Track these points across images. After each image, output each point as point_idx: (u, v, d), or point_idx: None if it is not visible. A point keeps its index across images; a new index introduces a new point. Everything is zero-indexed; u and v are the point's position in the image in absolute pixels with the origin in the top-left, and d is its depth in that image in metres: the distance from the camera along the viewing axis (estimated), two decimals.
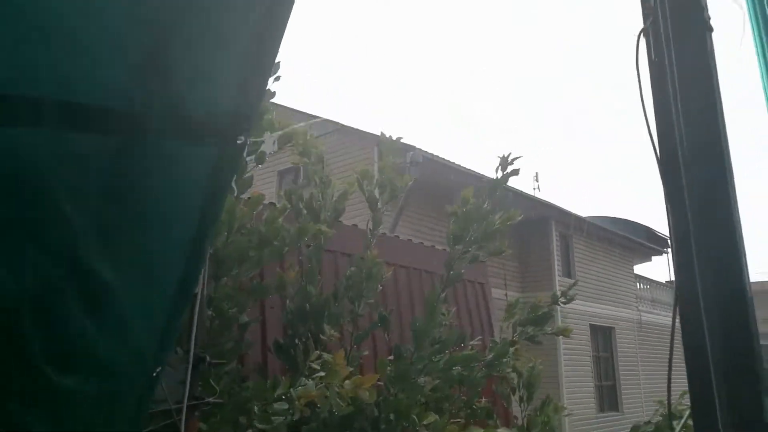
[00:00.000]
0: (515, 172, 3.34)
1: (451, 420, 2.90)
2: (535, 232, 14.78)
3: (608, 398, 15.75)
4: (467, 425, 2.93)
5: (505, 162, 3.45)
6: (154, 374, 1.43)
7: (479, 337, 3.70)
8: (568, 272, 15.34)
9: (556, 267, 14.79)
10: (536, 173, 19.44)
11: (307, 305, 2.81)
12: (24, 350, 1.17)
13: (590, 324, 15.07)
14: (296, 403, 1.78)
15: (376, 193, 3.22)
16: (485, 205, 3.08)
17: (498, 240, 3.32)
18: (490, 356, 3.05)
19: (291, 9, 1.16)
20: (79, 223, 1.10)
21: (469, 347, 3.39)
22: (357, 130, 12.09)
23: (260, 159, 2.52)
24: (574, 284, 3.74)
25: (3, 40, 0.95)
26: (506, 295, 12.19)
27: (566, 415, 3.68)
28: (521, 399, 3.68)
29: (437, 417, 2.31)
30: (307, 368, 2.37)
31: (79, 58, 1.00)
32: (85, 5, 0.99)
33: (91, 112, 1.05)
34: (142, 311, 1.32)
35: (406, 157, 11.18)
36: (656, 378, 16.93)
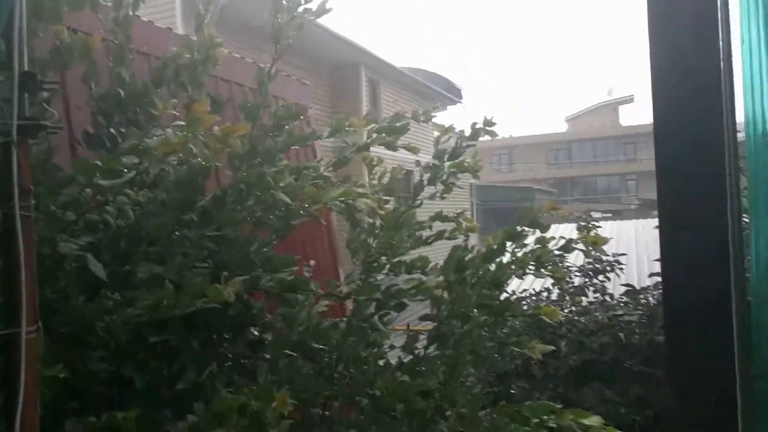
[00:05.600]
0: None
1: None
2: (345, 76, 14.85)
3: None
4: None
5: None
6: None
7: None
8: (375, 118, 15.85)
9: (364, 112, 15.18)
10: (344, 18, 19.07)
11: (122, 92, 2.44)
12: None
13: (392, 167, 16.00)
14: (154, 153, 1.59)
15: None
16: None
17: None
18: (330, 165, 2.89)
19: None
20: None
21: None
22: None
23: None
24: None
25: None
26: None
27: None
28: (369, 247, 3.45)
29: None
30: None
31: None
32: None
33: None
34: None
35: None
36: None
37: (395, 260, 2.29)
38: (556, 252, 2.15)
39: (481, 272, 2.12)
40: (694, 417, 0.96)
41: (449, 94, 20.69)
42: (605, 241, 2.21)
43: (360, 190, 2.02)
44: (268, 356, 2.20)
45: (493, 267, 2.12)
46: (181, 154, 2.12)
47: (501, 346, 2.30)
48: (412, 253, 2.44)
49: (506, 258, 2.17)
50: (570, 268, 6.26)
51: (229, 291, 1.57)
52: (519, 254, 2.14)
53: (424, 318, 7.17)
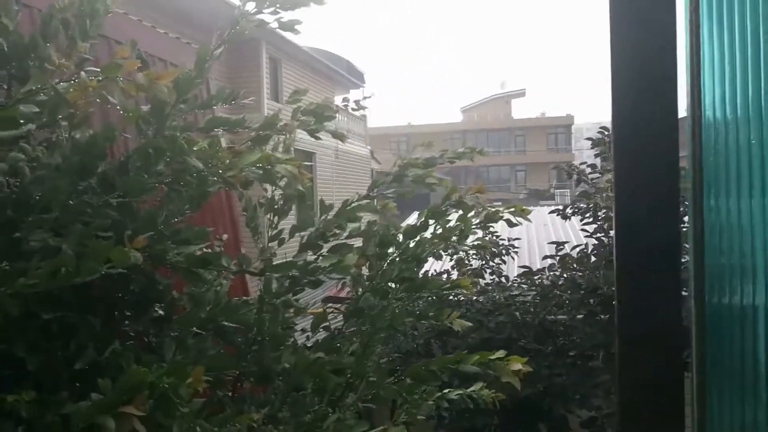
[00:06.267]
0: None
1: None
2: (245, 52, 14.35)
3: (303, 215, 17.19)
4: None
5: None
6: None
7: None
8: (276, 96, 15.52)
9: (265, 90, 14.79)
10: None
11: (4, 43, 2.17)
12: None
13: (294, 148, 15.76)
14: (65, 98, 1.41)
15: None
16: None
17: None
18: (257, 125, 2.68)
19: None
20: None
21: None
22: None
23: None
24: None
25: None
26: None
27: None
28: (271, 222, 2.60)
29: None
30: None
31: None
32: None
33: None
34: None
35: None
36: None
37: (336, 243, 2.23)
38: (477, 224, 2.22)
39: (402, 248, 2.12)
40: (640, 355, 1.01)
41: (352, 77, 20.63)
42: (529, 211, 2.29)
43: (279, 155, 1.94)
44: (175, 334, 2.08)
45: (412, 244, 2.13)
46: (76, 116, 1.93)
47: (419, 318, 2.32)
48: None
49: (428, 234, 2.19)
50: (468, 252, 6.48)
51: (136, 254, 1.44)
52: (442, 228, 2.17)
53: (327, 300, 7.16)
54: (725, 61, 1.37)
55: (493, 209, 2.41)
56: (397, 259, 2.13)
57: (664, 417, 0.95)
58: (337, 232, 2.15)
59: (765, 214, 1.30)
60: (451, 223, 2.20)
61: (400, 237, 2.16)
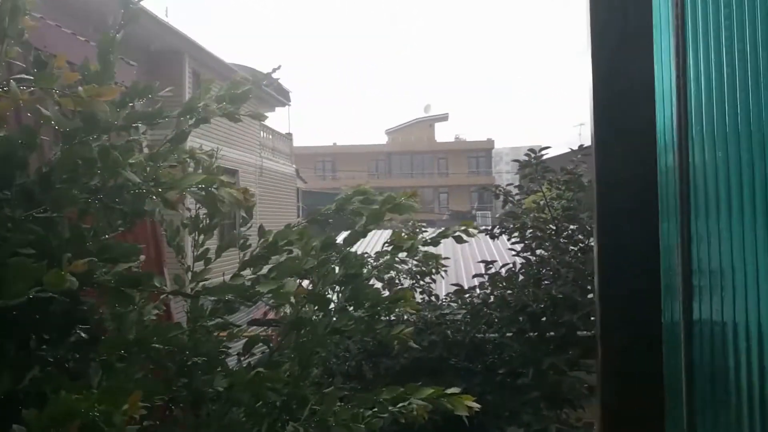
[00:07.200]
0: None
1: None
2: (167, 64, 13.95)
3: (228, 234, 16.74)
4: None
5: None
6: None
7: None
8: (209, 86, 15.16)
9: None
10: (167, 8, 18.09)
11: None
12: None
13: (217, 165, 15.37)
14: None
15: None
16: None
17: None
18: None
19: None
20: None
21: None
22: None
23: None
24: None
25: None
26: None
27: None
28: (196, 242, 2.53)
29: None
30: None
31: None
32: None
33: None
34: None
35: None
36: (270, 219, 18.66)
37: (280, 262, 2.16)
38: (428, 241, 2.25)
39: (343, 254, 2.12)
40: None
41: (278, 95, 20.46)
42: (477, 230, 2.35)
43: (223, 177, 1.85)
44: (102, 358, 1.92)
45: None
46: None
47: (365, 332, 2.28)
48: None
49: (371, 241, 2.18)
50: (399, 272, 6.49)
51: (71, 278, 1.32)
52: (396, 239, 2.18)
53: (252, 323, 6.94)
54: (702, 75, 1.43)
55: (411, 231, 2.45)
56: (338, 264, 2.12)
57: (645, 423, 0.96)
58: (286, 247, 2.08)
59: (743, 229, 1.36)
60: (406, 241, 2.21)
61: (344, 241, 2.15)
